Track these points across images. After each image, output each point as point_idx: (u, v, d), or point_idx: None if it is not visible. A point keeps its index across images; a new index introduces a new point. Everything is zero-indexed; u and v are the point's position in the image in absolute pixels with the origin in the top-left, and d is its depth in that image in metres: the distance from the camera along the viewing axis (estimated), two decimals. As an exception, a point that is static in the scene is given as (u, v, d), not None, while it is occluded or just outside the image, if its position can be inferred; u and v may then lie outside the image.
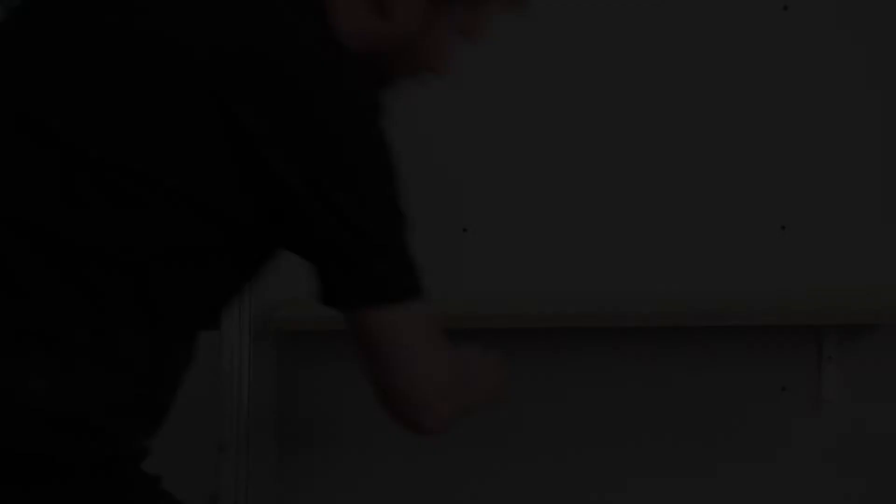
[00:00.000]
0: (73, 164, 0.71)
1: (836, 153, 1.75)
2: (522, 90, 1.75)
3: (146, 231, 0.71)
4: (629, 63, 1.75)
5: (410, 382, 0.79)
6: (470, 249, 1.78)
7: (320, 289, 0.78)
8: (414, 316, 0.78)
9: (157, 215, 0.71)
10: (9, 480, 0.68)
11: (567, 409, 1.79)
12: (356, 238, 0.74)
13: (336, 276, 0.76)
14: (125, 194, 0.71)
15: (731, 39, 1.74)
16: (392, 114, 0.79)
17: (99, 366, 0.71)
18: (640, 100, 1.75)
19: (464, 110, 1.74)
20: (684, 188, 1.76)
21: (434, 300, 0.82)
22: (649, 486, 1.80)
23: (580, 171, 1.76)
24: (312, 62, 0.74)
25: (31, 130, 0.73)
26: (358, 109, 0.74)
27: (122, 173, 0.71)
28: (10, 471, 0.67)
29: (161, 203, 0.71)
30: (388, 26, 0.83)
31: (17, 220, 0.71)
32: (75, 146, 0.71)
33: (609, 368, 1.78)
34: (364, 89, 0.75)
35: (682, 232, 1.77)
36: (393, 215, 0.77)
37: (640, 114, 1.75)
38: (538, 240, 1.76)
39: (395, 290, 0.77)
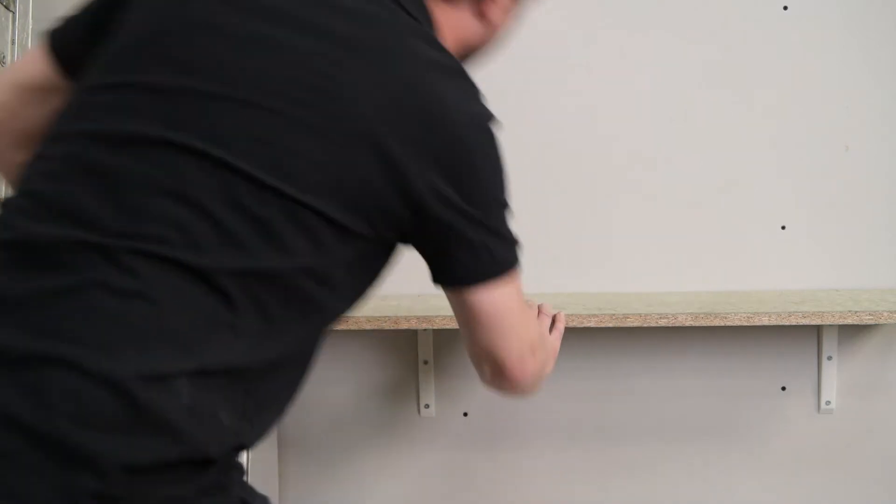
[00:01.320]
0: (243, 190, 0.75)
1: (836, 153, 1.75)
2: (522, 89, 1.76)
3: (310, 253, 0.78)
4: (629, 63, 1.75)
5: (518, 338, 0.89)
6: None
7: (444, 274, 0.87)
8: (518, 283, 0.89)
9: (325, 241, 0.78)
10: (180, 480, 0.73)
11: (567, 409, 1.79)
12: (488, 234, 0.85)
13: (465, 262, 0.86)
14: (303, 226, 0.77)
15: (730, 39, 1.75)
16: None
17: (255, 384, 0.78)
18: (640, 99, 1.76)
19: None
20: (684, 188, 1.76)
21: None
22: (649, 485, 1.80)
23: (580, 171, 1.76)
24: (449, 96, 0.81)
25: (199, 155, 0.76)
26: (485, 127, 0.84)
27: (301, 206, 0.77)
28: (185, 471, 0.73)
29: (329, 233, 0.78)
30: (486, 29, 0.94)
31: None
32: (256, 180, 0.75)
33: (609, 368, 1.79)
34: (485, 107, 0.84)
35: (682, 232, 1.77)
36: (506, 206, 0.89)
37: (640, 113, 1.76)
38: (537, 240, 1.76)
39: (510, 264, 0.88)
